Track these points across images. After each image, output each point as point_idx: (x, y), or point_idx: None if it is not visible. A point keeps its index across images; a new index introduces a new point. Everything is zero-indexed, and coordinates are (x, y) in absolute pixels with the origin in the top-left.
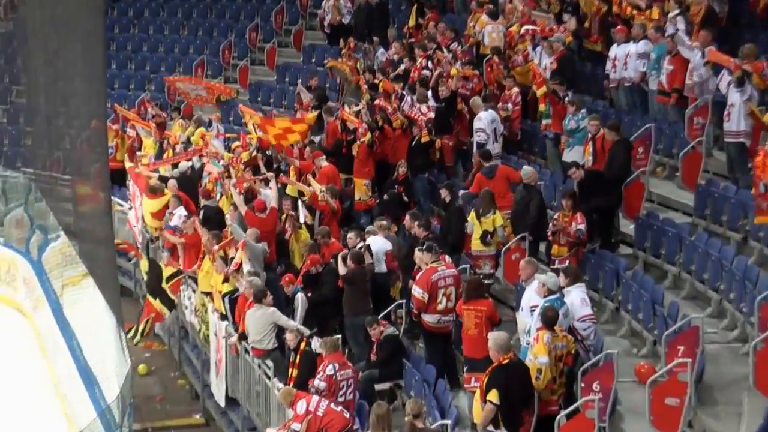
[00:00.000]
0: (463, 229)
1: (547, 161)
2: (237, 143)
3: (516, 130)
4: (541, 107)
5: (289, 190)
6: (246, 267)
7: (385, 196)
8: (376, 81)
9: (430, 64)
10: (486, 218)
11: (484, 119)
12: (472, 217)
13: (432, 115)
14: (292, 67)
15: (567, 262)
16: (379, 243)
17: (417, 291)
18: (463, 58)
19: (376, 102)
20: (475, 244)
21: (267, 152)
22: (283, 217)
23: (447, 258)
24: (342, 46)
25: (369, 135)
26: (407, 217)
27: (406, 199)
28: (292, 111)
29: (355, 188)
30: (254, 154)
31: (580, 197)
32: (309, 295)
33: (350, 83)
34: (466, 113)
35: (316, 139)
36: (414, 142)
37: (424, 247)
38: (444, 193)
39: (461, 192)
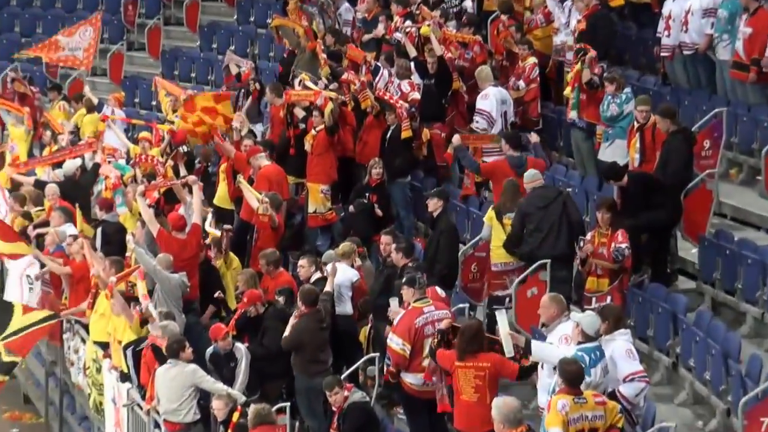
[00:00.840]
0: (456, 254)
1: (576, 161)
2: (145, 134)
3: (533, 117)
4: (568, 92)
5: (217, 199)
6: (153, 307)
7: (351, 208)
8: (340, 48)
9: (411, 24)
10: (510, 217)
11: (492, 98)
12: (490, 217)
13: (417, 95)
14: (223, 29)
15: (608, 299)
16: (343, 274)
17: (395, 341)
18: (460, 19)
19: (343, 77)
20: (498, 254)
21: (184, 147)
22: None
23: (438, 290)
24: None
25: (330, 111)
26: (382, 237)
27: (380, 212)
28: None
29: (309, 197)
30: (173, 150)
31: (623, 210)
32: (246, 345)
33: (303, 51)
34: (464, 93)
35: (257, 128)
36: (390, 134)
37: (405, 279)
38: (433, 205)
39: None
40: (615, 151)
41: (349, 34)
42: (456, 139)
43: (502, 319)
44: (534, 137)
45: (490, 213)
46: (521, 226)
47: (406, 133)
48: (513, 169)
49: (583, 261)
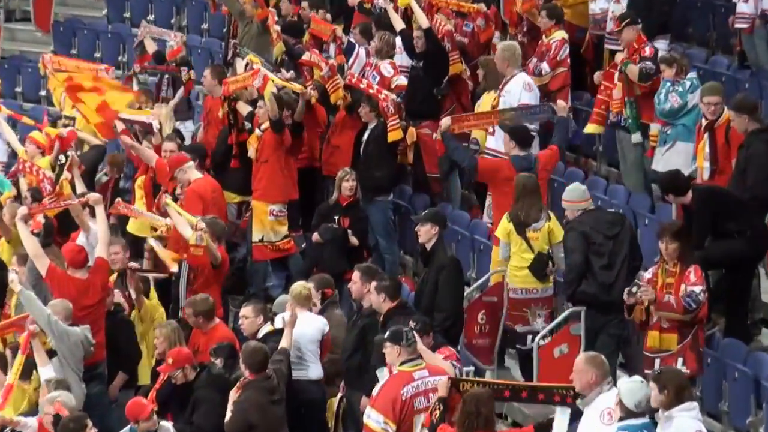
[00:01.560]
0: (460, 298)
1: (622, 171)
2: (37, 134)
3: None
4: (616, 93)
5: (132, 226)
6: (44, 371)
7: (315, 236)
8: (300, 19)
9: None
10: (536, 229)
11: (517, 86)
12: (506, 230)
13: (403, 80)
14: (85, 28)
15: (679, 361)
16: (305, 325)
17: (374, 419)
18: None
19: (304, 58)
20: (519, 278)
21: (71, 151)
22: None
23: (449, 351)
24: None
25: (271, 95)
26: (356, 274)
27: (354, 240)
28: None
29: (253, 220)
30: (67, 157)
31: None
32: (172, 424)
33: (249, 22)
34: (467, 79)
35: (186, 128)
36: (368, 136)
37: (388, 334)
38: (425, 233)
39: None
40: (675, 158)
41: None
42: (445, 121)
43: (562, 419)
44: (561, 105)
45: (506, 225)
46: (583, 254)
47: (393, 135)
48: (518, 173)
49: (630, 308)
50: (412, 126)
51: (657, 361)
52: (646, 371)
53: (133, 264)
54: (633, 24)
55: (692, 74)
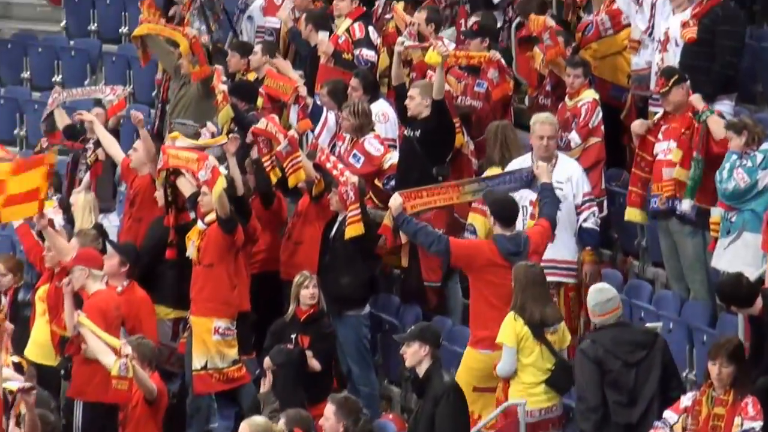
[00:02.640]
0: None
1: (669, 272)
2: None
3: (593, 195)
4: (668, 172)
5: (34, 347)
6: None
7: (267, 362)
8: (248, 72)
9: (372, 32)
10: (555, 331)
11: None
12: (515, 333)
13: (393, 159)
14: (39, 45)
15: None
16: None
17: None
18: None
19: (258, 126)
20: (535, 397)
21: None
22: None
23: None
24: None
25: (221, 190)
26: (329, 408)
27: (315, 365)
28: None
29: (196, 341)
30: None
31: (753, 359)
32: None
33: (186, 80)
34: (470, 154)
35: (109, 222)
36: (335, 231)
37: None
38: (413, 354)
39: None
40: (742, 253)
41: (262, 50)
42: (395, 200)
43: None
44: (543, 168)
45: (516, 326)
46: (599, 391)
47: (352, 230)
48: (504, 258)
49: None
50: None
51: None
52: None
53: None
54: (682, 81)
55: (766, 145)
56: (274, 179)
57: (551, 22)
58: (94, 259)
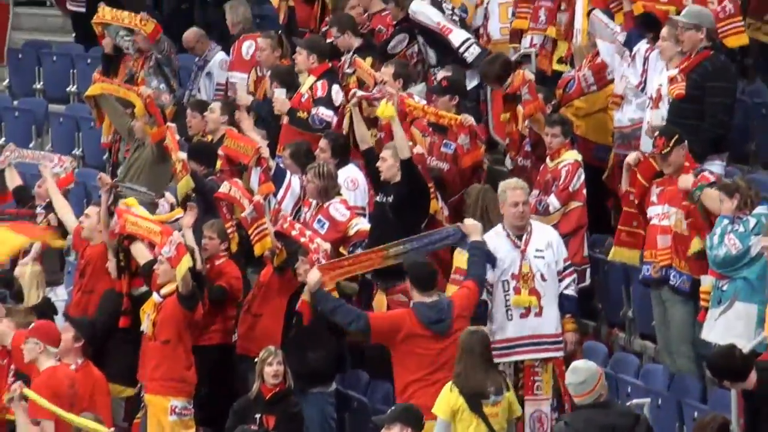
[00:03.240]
0: None
1: (659, 344)
2: None
3: (575, 263)
4: (662, 241)
5: None
6: None
7: None
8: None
9: (336, 91)
10: (496, 402)
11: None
12: (449, 406)
13: (365, 225)
14: None
15: None
16: None
17: None
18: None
19: (222, 190)
20: None
21: None
22: None
23: None
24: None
25: (185, 268)
26: None
27: None
28: None
29: (151, 422)
30: None
31: None
32: None
33: (141, 144)
34: (444, 221)
35: (56, 296)
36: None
37: None
38: None
39: None
40: (735, 325)
41: (221, 109)
42: (313, 275)
43: None
44: (471, 224)
45: (452, 398)
46: None
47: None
48: (425, 327)
49: None
50: (381, 289)
51: None
52: None
53: None
54: (683, 141)
55: (762, 209)
56: (234, 248)
57: (530, 76)
58: (50, 333)
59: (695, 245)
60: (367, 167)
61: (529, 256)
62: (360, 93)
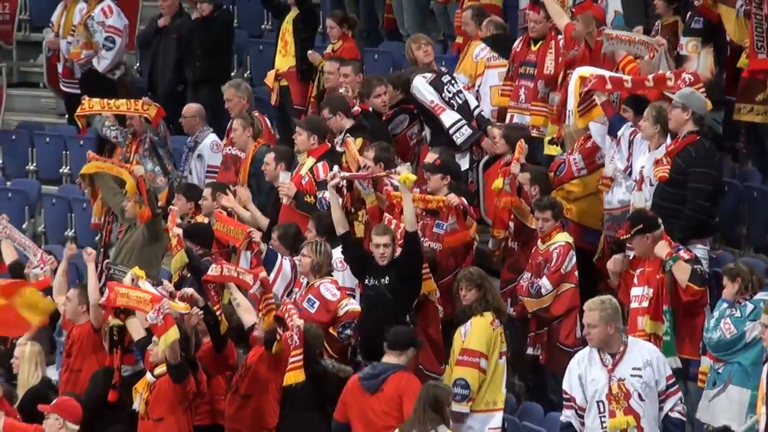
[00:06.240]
0: None
1: None
2: None
3: (564, 345)
4: (650, 325)
5: None
6: None
7: None
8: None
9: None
10: None
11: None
12: None
13: (355, 307)
14: None
15: None
16: None
17: None
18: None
19: (211, 272)
20: None
21: None
22: None
23: None
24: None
25: (172, 339)
26: None
27: None
28: None
29: None
30: None
31: None
32: None
33: (131, 227)
34: (436, 302)
35: (49, 373)
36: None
37: None
38: None
39: None
40: (727, 408)
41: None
42: None
43: None
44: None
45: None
46: None
47: (291, 376)
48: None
49: None
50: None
51: None
52: None
53: None
54: (647, 232)
55: (763, 294)
56: (223, 329)
57: (516, 169)
58: (72, 410)
59: (648, 323)
60: (343, 252)
61: (624, 375)
62: (343, 174)
